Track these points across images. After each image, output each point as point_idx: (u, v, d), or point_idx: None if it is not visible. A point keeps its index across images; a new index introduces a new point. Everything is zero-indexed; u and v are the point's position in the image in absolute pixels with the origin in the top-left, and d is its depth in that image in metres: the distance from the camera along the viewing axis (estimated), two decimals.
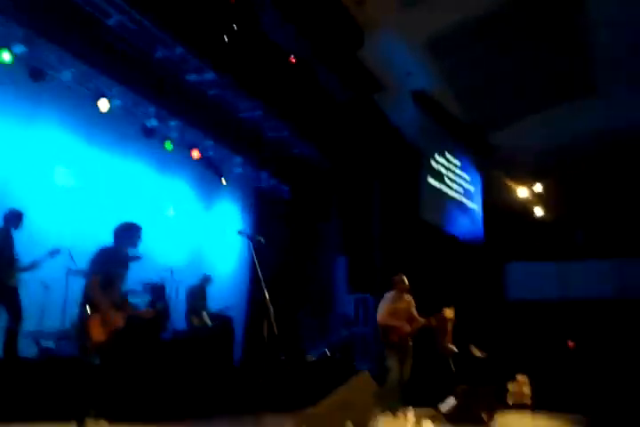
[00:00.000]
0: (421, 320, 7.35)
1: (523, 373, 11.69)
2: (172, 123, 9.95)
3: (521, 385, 11.53)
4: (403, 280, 7.47)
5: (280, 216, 12.70)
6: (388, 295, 7.44)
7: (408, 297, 7.49)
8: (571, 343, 12.20)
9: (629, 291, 10.84)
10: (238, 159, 11.88)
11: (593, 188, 12.71)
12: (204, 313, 9.34)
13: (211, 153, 11.00)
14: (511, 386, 11.47)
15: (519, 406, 10.95)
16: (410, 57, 10.56)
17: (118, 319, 5.21)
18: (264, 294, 5.04)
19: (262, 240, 5.26)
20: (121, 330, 5.24)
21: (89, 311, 5.06)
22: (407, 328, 7.20)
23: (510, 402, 11.18)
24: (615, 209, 12.94)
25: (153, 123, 9.48)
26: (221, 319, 9.58)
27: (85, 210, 8.57)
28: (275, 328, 4.97)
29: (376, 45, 10.34)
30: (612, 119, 11.32)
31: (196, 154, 10.29)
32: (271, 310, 4.99)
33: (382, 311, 7.25)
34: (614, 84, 10.99)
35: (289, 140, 12.10)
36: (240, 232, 5.33)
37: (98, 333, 5.08)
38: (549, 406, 10.22)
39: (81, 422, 4.90)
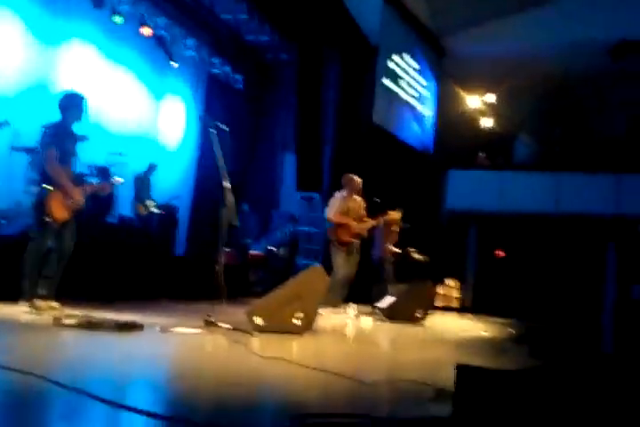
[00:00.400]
0: (371, 221, 7.44)
1: (453, 277, 12.32)
2: None
3: (450, 289, 12.18)
4: (355, 180, 7.42)
5: (231, 106, 12.26)
6: (339, 194, 7.42)
7: (358, 198, 7.50)
8: (500, 253, 12.79)
9: (567, 205, 11.25)
10: (191, 41, 11.21)
11: (542, 101, 12.79)
12: (150, 201, 9.21)
13: (162, 32, 10.32)
14: (441, 289, 12.10)
15: (446, 309, 11.64)
16: None
17: (78, 196, 5.02)
18: (223, 184, 4.89)
19: (226, 128, 5.05)
20: (81, 207, 5.09)
21: (48, 187, 4.84)
22: (358, 228, 7.27)
23: (439, 304, 11.83)
24: (557, 123, 13.19)
25: None
26: (166, 208, 9.49)
27: (29, 85, 8.00)
28: (236, 219, 4.89)
29: None
30: (567, 32, 11.18)
31: (146, 31, 9.61)
32: (232, 200, 4.88)
33: (334, 209, 7.24)
34: None
35: (246, 25, 11.41)
36: (201, 117, 5.07)
37: (60, 210, 4.91)
38: (477, 310, 10.92)
39: (30, 302, 4.82)
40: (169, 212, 9.54)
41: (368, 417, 2.17)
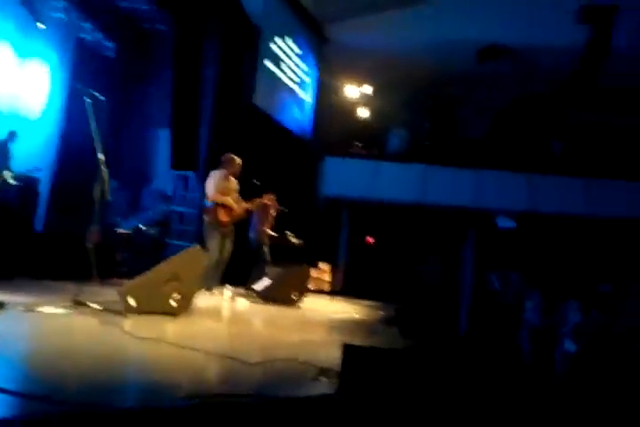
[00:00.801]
0: (247, 204, 7.33)
1: (326, 261, 12.63)
2: None
3: (322, 272, 12.47)
4: (236, 160, 7.28)
5: (101, 75, 11.58)
6: (217, 174, 7.18)
7: (234, 179, 7.34)
8: (370, 239, 13.29)
9: (432, 196, 11.90)
10: (60, 2, 10.42)
11: (415, 95, 13.36)
12: (7, 172, 8.52)
13: None
14: (313, 272, 12.34)
15: (318, 291, 11.90)
16: None
17: None
18: (98, 156, 4.65)
19: (104, 98, 4.77)
20: None
21: None
22: (237, 209, 7.15)
23: (311, 287, 12.07)
24: (428, 118, 13.90)
25: None
26: (26, 180, 8.82)
27: None
28: (108, 194, 4.66)
29: None
30: (440, 31, 11.78)
31: None
32: (106, 172, 4.63)
33: (213, 189, 7.04)
34: None
35: None
36: (76, 88, 4.75)
37: None
38: (347, 293, 11.27)
39: None
40: (29, 184, 8.87)
41: (254, 397, 2.18)
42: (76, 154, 9.65)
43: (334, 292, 11.95)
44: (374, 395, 2.17)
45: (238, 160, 7.27)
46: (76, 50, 11.50)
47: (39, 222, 10.06)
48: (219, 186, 7.05)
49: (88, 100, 4.83)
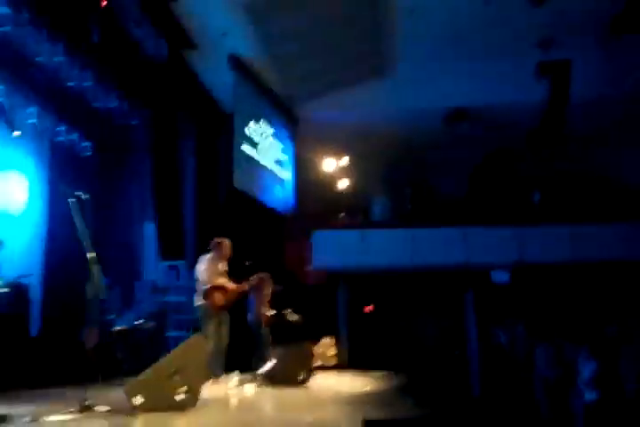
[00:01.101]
0: (241, 286, 7.28)
1: (328, 335, 12.43)
2: None
3: (326, 347, 12.24)
4: (225, 244, 7.32)
5: (80, 175, 11.76)
6: (207, 257, 7.19)
7: (224, 262, 7.35)
8: (368, 308, 13.18)
9: (421, 258, 11.95)
10: (33, 109, 10.73)
11: (391, 163, 13.71)
12: None
13: (1, 99, 9.79)
14: (317, 348, 12.11)
15: (324, 367, 11.63)
16: (228, 16, 10.35)
17: None
18: (87, 255, 4.67)
19: (87, 197, 4.85)
20: None
21: None
22: (235, 290, 7.12)
23: (317, 363, 11.79)
24: (406, 183, 14.20)
25: None
26: (13, 287, 8.74)
27: None
28: (103, 291, 4.65)
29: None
30: (404, 100, 12.30)
31: None
32: (99, 272, 4.65)
33: (208, 273, 7.02)
34: (400, 63, 11.94)
35: (92, 92, 11.16)
36: (59, 187, 4.83)
37: None
38: (353, 365, 11.03)
39: None
40: (17, 290, 8.79)
41: None
42: (63, 255, 9.65)
43: (341, 366, 11.70)
44: None
45: (228, 243, 7.33)
46: (52, 153, 11.71)
47: (34, 327, 9.90)
48: (211, 269, 7.06)
49: (72, 200, 4.89)
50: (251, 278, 7.54)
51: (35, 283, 9.96)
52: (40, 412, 4.20)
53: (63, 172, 11.47)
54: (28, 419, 3.91)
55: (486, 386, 7.86)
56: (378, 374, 8.96)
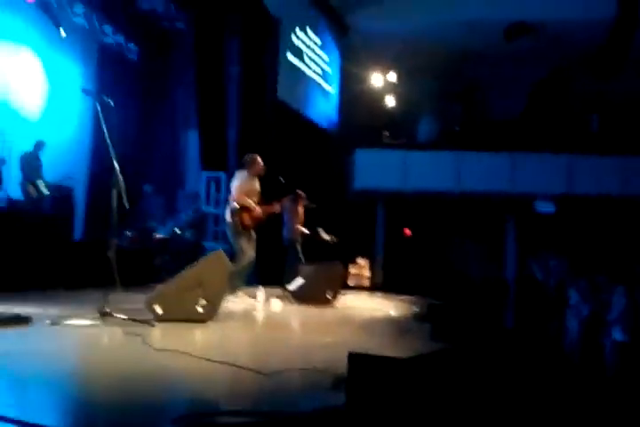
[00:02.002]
0: (270, 208, 7.19)
1: (363, 256, 12.45)
2: None
3: (361, 268, 12.31)
4: (259, 161, 7.14)
5: (126, 79, 11.63)
6: (241, 175, 7.04)
7: (257, 180, 7.22)
8: (407, 231, 13.04)
9: (467, 183, 11.59)
10: (79, 8, 10.48)
11: (442, 80, 13.02)
12: (41, 182, 8.62)
13: None
14: (352, 269, 12.21)
15: (358, 288, 11.76)
16: None
17: None
18: (113, 162, 4.59)
19: (111, 102, 4.70)
20: None
21: None
22: (261, 212, 7.03)
23: (351, 283, 11.94)
24: (457, 102, 13.53)
25: None
26: (60, 190, 8.92)
27: None
28: (125, 201, 4.61)
29: None
30: (463, 11, 11.42)
31: None
32: (121, 180, 4.59)
33: (239, 191, 6.94)
34: None
35: None
36: (84, 90, 4.69)
37: None
38: (387, 288, 11.07)
39: None
40: (63, 193, 8.96)
41: (255, 414, 2.07)
42: (104, 161, 9.72)
43: (374, 287, 11.78)
44: (382, 407, 2.04)
45: (260, 160, 7.15)
46: (99, 55, 11.57)
47: (78, 231, 10.21)
48: (243, 188, 6.94)
49: (98, 105, 4.76)
50: (283, 200, 7.42)
51: (79, 187, 10.17)
52: (62, 315, 4.31)
53: (109, 75, 11.39)
54: (48, 322, 4.02)
55: (519, 320, 7.75)
56: (410, 298, 8.95)
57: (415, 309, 7.18)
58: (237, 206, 6.85)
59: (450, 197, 11.77)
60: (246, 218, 6.85)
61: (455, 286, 10.74)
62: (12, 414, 1.87)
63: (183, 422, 1.88)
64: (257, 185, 7.14)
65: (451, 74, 12.55)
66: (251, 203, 6.91)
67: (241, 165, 7.25)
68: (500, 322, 7.48)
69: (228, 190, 7.65)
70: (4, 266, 6.46)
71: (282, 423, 1.99)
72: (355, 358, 2.19)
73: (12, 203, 8.16)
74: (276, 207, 7.25)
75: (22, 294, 5.79)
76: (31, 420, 1.82)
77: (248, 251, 6.90)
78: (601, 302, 6.16)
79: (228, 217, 6.97)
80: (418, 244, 12.47)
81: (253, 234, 7.07)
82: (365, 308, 7.48)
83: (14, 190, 8.39)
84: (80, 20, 10.56)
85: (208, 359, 2.97)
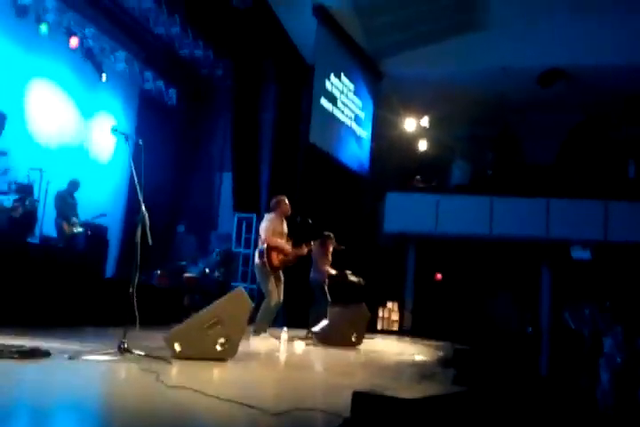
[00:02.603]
0: (299, 250, 7.22)
1: (393, 300, 12.26)
2: (49, 3, 8.87)
3: (390, 312, 12.11)
4: (285, 202, 7.24)
5: (165, 123, 12.00)
6: (269, 217, 7.17)
7: (285, 221, 7.29)
8: (438, 276, 12.84)
9: (500, 227, 11.41)
10: (122, 54, 10.94)
11: (475, 125, 13.04)
12: (75, 220, 8.80)
13: (91, 43, 10.00)
14: (381, 312, 12.02)
15: (387, 332, 11.54)
16: None
17: None
18: (139, 197, 4.66)
19: (140, 142, 4.82)
20: None
21: None
22: (292, 252, 7.07)
23: (379, 327, 11.74)
24: (490, 148, 13.47)
25: (26, 1, 8.41)
26: (94, 228, 9.08)
27: None
28: (149, 237, 4.64)
29: None
30: (497, 58, 11.49)
31: (74, 42, 9.29)
32: (147, 217, 4.63)
33: (268, 232, 6.99)
34: (492, 16, 11.10)
35: (179, 39, 11.24)
36: (115, 130, 4.82)
37: None
38: (416, 333, 10.83)
39: None
40: (97, 231, 9.12)
41: None
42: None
43: (402, 332, 11.55)
44: None
45: (287, 201, 7.24)
46: (139, 99, 12.01)
47: (110, 269, 10.34)
48: (272, 229, 7.01)
49: (129, 143, 4.88)
50: (311, 242, 7.45)
51: (114, 226, 10.37)
52: (81, 351, 4.32)
53: (148, 118, 11.79)
54: (66, 356, 4.02)
55: (554, 367, 7.47)
56: (437, 344, 8.72)
57: (441, 353, 6.98)
58: (265, 248, 6.89)
59: (482, 241, 11.60)
60: (275, 259, 6.89)
61: (485, 332, 10.45)
62: None
63: None
64: (284, 226, 7.21)
65: (484, 119, 12.57)
66: (281, 243, 6.96)
67: (269, 208, 7.36)
68: (534, 370, 7.22)
69: (258, 232, 7.70)
70: (34, 301, 6.55)
71: None
72: (359, 398, 2.12)
73: (45, 239, 8.32)
74: (304, 250, 7.29)
75: (48, 329, 5.84)
76: None
77: (275, 292, 6.90)
78: (636, 351, 5.92)
79: (256, 258, 7.02)
80: (448, 288, 12.24)
81: (281, 276, 7.07)
82: (390, 351, 7.31)
83: (49, 227, 8.59)
84: (122, 66, 11.01)
85: (217, 397, 2.91)
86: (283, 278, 7.10)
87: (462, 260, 12.12)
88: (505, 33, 11.13)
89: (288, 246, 7.02)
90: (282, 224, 7.18)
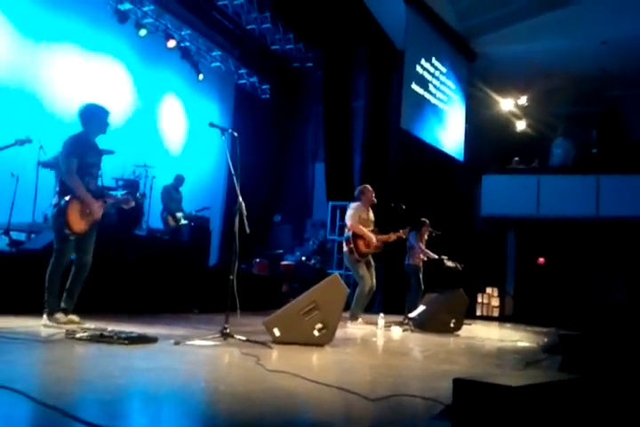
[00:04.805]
0: (386, 237, 7.26)
1: (492, 285, 11.93)
2: (147, 8, 9.29)
3: (490, 298, 11.80)
4: (370, 191, 7.26)
5: (259, 117, 12.28)
6: (354, 205, 7.24)
7: (370, 209, 7.31)
8: (541, 260, 12.34)
9: (607, 208, 10.78)
10: (217, 53, 11.31)
11: (577, 102, 12.36)
12: (180, 214, 9.19)
13: (187, 44, 10.41)
14: (480, 298, 11.74)
15: (487, 318, 11.26)
16: None
17: (96, 208, 4.96)
18: (236, 188, 4.78)
19: (235, 134, 4.95)
20: (99, 220, 5.03)
21: (67, 199, 4.81)
22: (379, 240, 7.10)
23: (479, 313, 11.48)
24: (593, 125, 12.70)
25: (126, 6, 8.84)
26: (198, 220, 9.45)
27: (54, 100, 8.15)
28: (246, 226, 4.76)
29: None
30: (598, 31, 10.77)
31: (172, 43, 9.71)
32: (244, 207, 4.75)
33: (354, 220, 7.06)
34: None
35: (270, 34, 11.46)
36: (211, 124, 4.97)
37: (78, 222, 4.85)
38: (518, 319, 10.49)
39: (50, 315, 4.79)
40: (200, 223, 9.50)
41: None
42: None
43: (503, 318, 11.23)
44: None
45: (371, 189, 7.24)
46: (235, 95, 12.40)
47: (213, 258, 10.76)
48: (357, 217, 7.06)
49: (225, 137, 5.03)
50: (401, 230, 7.42)
51: (215, 217, 10.77)
52: (189, 336, 4.52)
53: (244, 113, 12.14)
54: (172, 341, 4.21)
55: None
56: (541, 330, 8.40)
57: (546, 340, 6.71)
58: (351, 235, 6.95)
59: (588, 223, 11.01)
60: (361, 246, 6.95)
61: (595, 318, 9.94)
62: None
63: None
64: (371, 214, 7.31)
65: (585, 96, 11.89)
66: (365, 231, 7.02)
67: (354, 197, 7.40)
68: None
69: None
70: (142, 290, 6.92)
71: None
72: (460, 385, 2.07)
73: (151, 232, 8.74)
74: (392, 236, 7.33)
75: (155, 316, 6.14)
76: None
77: (367, 277, 6.97)
78: None
79: (344, 246, 7.09)
80: (552, 273, 11.71)
81: (372, 261, 7.10)
82: (491, 338, 7.11)
83: (154, 220, 9.02)
84: (217, 64, 11.39)
85: (315, 382, 2.94)
86: (373, 264, 7.18)
87: (567, 243, 11.57)
88: (602, 4, 10.41)
89: (371, 235, 7.08)
90: (367, 212, 7.25)
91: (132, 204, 5.46)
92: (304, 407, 2.62)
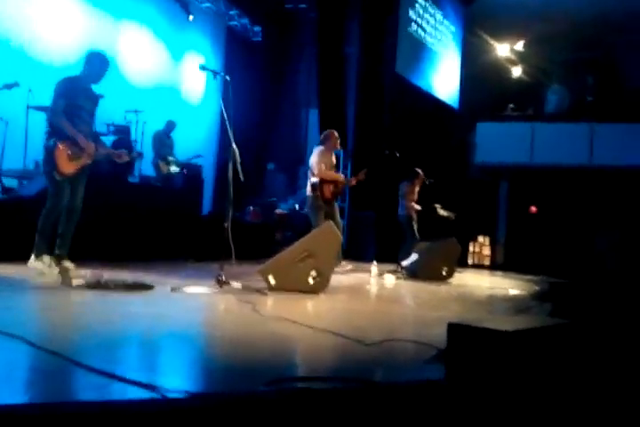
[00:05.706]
0: (346, 180, 7.34)
1: (484, 234, 12.02)
2: None
3: (481, 246, 11.92)
4: (335, 135, 7.20)
5: (251, 60, 11.99)
6: (319, 150, 7.17)
7: (333, 154, 7.32)
8: (533, 209, 12.40)
9: (601, 157, 10.76)
10: None
11: (573, 49, 12.12)
12: (172, 160, 9.10)
13: None
14: (472, 246, 11.85)
15: (478, 266, 11.41)
16: None
17: (90, 150, 4.87)
18: (229, 135, 4.71)
19: (228, 78, 4.84)
20: (90, 166, 4.97)
21: (54, 140, 4.72)
22: (342, 182, 7.18)
23: (470, 261, 11.62)
24: (589, 72, 12.50)
25: None
26: (190, 167, 9.37)
27: (42, 45, 7.93)
28: (240, 174, 4.73)
29: None
30: None
31: None
32: (237, 154, 4.70)
33: (319, 165, 7.00)
34: None
35: None
36: (202, 67, 4.85)
37: (66, 164, 4.77)
38: (508, 267, 10.63)
39: (37, 257, 4.78)
40: (192, 170, 9.42)
41: (354, 381, 2.04)
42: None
43: (494, 266, 11.37)
44: (483, 381, 1.94)
45: (337, 135, 7.19)
46: (226, 37, 12.05)
47: (206, 206, 10.73)
48: (322, 162, 7.04)
49: (217, 80, 4.93)
50: (360, 173, 7.40)
51: (208, 165, 10.66)
52: (184, 283, 4.56)
53: (235, 55, 11.84)
54: (169, 288, 4.25)
55: None
56: (531, 278, 8.54)
57: (536, 288, 6.84)
58: (318, 181, 6.97)
59: (581, 172, 11.01)
60: (327, 191, 6.97)
61: (586, 268, 10.08)
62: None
63: (275, 384, 1.89)
64: (333, 159, 7.33)
65: (583, 41, 11.63)
66: (333, 174, 7.13)
67: (320, 141, 7.35)
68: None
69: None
70: (135, 237, 6.92)
71: (374, 392, 1.96)
72: (454, 329, 2.11)
73: (143, 179, 8.67)
74: (352, 181, 7.48)
75: (149, 263, 6.18)
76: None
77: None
78: None
79: (308, 191, 7.06)
80: (544, 222, 11.79)
81: (336, 207, 7.23)
82: (483, 286, 7.24)
83: (147, 167, 8.93)
84: (208, 4, 11.03)
85: (311, 327, 2.99)
86: (338, 208, 7.30)
87: (560, 192, 11.58)
88: None
89: (341, 176, 7.26)
90: (331, 157, 7.28)
91: (126, 158, 5.37)
92: (300, 351, 2.68)
